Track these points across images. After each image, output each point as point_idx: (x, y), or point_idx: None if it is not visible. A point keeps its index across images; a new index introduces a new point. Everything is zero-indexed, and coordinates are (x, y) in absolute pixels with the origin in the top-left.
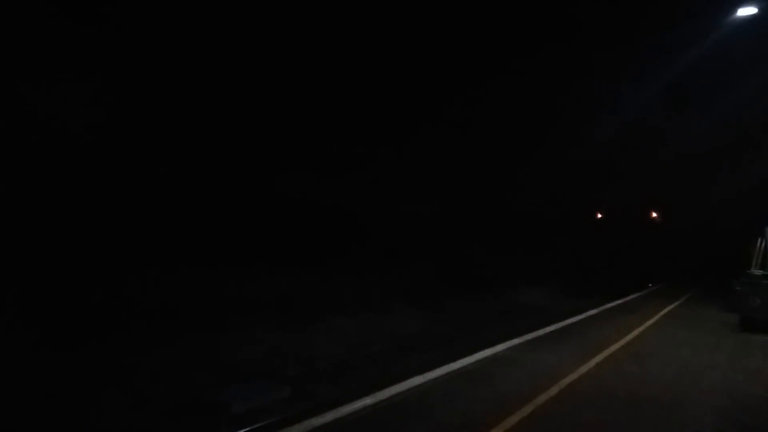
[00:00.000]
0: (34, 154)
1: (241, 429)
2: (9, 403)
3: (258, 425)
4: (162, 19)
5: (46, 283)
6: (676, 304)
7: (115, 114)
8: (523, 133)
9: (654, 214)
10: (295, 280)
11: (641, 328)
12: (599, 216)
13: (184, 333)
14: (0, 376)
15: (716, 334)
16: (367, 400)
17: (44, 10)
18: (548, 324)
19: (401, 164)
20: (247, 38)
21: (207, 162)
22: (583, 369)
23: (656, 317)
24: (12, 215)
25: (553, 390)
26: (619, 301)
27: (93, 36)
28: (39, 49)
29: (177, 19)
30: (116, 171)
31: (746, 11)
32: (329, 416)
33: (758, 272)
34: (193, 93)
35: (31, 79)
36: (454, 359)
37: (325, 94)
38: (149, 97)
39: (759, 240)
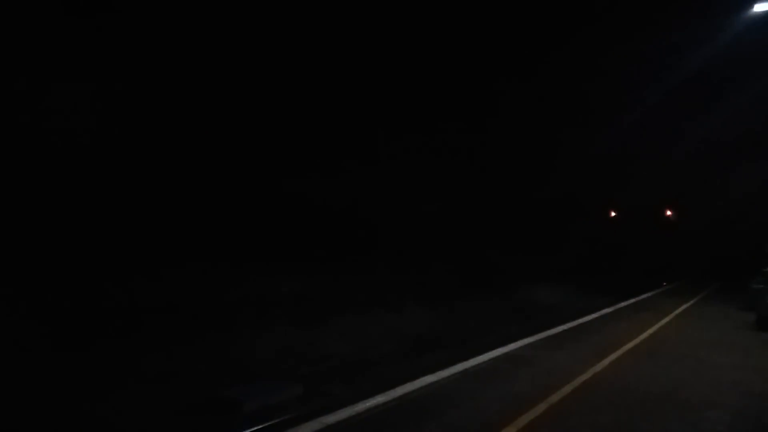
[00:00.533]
0: (50, 158)
1: (255, 427)
2: (24, 401)
3: (271, 423)
4: (170, 20)
5: (62, 284)
6: (691, 302)
7: (126, 116)
8: (539, 132)
9: (669, 213)
10: (308, 279)
11: (656, 327)
12: (613, 214)
13: (197, 332)
14: (16, 375)
15: (732, 332)
16: (380, 399)
17: (46, 10)
18: (562, 322)
19: (415, 164)
20: (261, 41)
21: (224, 163)
22: (597, 368)
23: (671, 316)
24: (28, 217)
25: (567, 389)
26: (634, 300)
27: (101, 38)
28: (46, 50)
29: (185, 21)
30: (131, 172)
31: (763, 7)
32: (342, 414)
33: None
34: (207, 95)
35: (36, 80)
36: (466, 358)
37: (340, 94)
38: (160, 99)
39: None
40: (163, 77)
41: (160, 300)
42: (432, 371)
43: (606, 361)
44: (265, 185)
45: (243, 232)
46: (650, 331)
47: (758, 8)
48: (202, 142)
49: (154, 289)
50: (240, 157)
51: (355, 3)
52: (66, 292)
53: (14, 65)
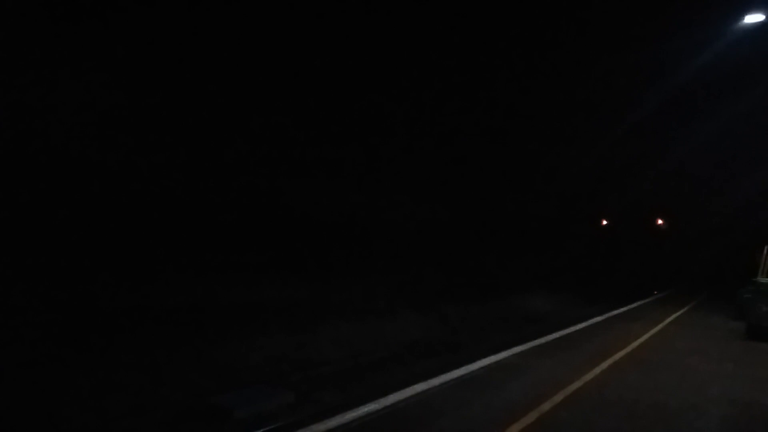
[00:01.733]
0: (40, 160)
1: None
2: (10, 407)
3: (262, 431)
4: (164, 20)
5: (49, 289)
6: (682, 311)
7: (124, 119)
8: (534, 138)
9: (660, 221)
10: (299, 284)
11: (647, 336)
12: (604, 223)
13: (186, 338)
14: (2, 379)
15: (723, 341)
16: (372, 406)
17: (45, 8)
18: (553, 331)
19: (410, 169)
20: (254, 42)
21: (212, 168)
22: (588, 376)
23: (662, 324)
24: (18, 220)
25: (558, 397)
26: (625, 308)
27: (93, 36)
28: (40, 48)
29: (179, 21)
30: (122, 177)
31: (754, 18)
32: (333, 422)
33: (765, 280)
34: (200, 100)
35: (32, 80)
36: (458, 365)
37: (335, 100)
38: (159, 102)
39: (765, 248)
40: (161, 80)
41: (146, 305)
42: (424, 379)
43: (597, 370)
44: (258, 190)
45: (233, 238)
46: (641, 339)
47: (749, 19)
48: (196, 146)
49: (140, 295)
50: (233, 163)
51: (351, 10)
52: (51, 297)
53: (16, 66)
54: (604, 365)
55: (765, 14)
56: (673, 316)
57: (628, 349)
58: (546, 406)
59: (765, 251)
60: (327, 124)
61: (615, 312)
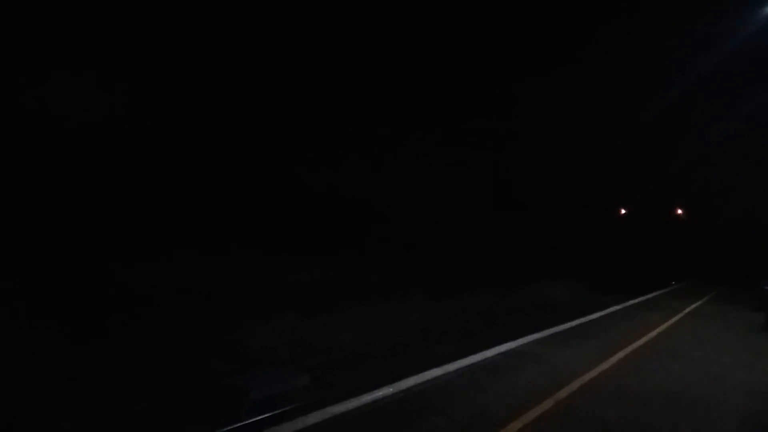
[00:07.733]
0: (51, 149)
1: (261, 415)
2: (37, 390)
3: (277, 411)
4: (187, 15)
5: (67, 273)
6: (700, 302)
7: (133, 107)
8: (554, 128)
9: (679, 211)
10: (316, 270)
11: (664, 326)
12: (623, 212)
13: (204, 321)
14: (26, 365)
15: (742, 333)
16: (387, 390)
17: (48, 7)
18: (570, 319)
19: (429, 158)
20: (277, 33)
21: (236, 153)
22: (605, 365)
23: (680, 315)
24: (33, 207)
25: (574, 385)
26: (643, 298)
27: (119, 34)
28: (47, 47)
29: (200, 16)
30: (140, 160)
31: None
32: (348, 404)
33: None
34: (220, 87)
35: (39, 76)
36: (474, 352)
37: (357, 86)
38: (170, 92)
39: None
40: (171, 71)
41: (166, 289)
42: (439, 364)
43: (614, 359)
44: (276, 176)
45: (252, 222)
46: (659, 329)
47: None
48: (214, 133)
49: (160, 278)
50: (253, 148)
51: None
52: (73, 280)
53: (19, 62)
54: (621, 354)
55: None
56: (692, 306)
57: (645, 339)
58: (562, 394)
59: None
60: (349, 112)
61: (632, 302)
